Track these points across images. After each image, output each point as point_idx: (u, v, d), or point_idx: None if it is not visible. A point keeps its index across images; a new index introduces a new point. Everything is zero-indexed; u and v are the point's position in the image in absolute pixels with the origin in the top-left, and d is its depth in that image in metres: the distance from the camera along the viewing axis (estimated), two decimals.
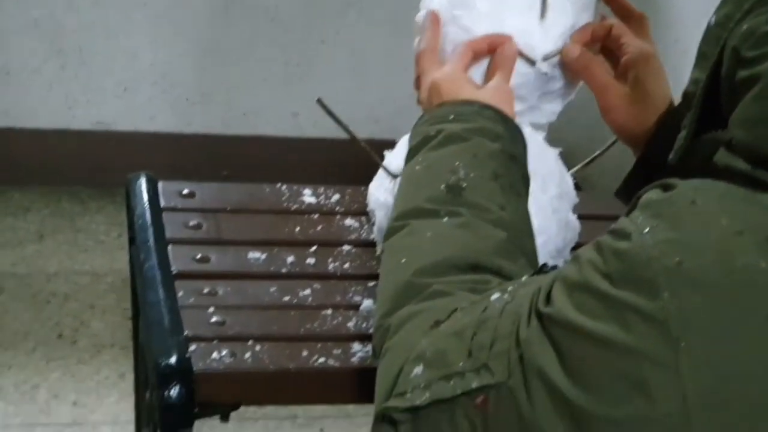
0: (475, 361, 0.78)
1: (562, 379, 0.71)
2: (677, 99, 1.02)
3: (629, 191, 1.08)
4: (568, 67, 1.11)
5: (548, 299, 0.75)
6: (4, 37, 2.46)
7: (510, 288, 0.83)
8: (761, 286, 0.69)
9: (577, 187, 1.25)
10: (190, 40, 2.52)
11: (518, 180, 0.99)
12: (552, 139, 1.24)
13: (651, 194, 0.75)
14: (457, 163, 0.96)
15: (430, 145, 0.99)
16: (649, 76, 1.08)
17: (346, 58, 2.55)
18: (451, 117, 1.00)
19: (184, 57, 2.52)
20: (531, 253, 0.95)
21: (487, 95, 1.03)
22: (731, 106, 0.78)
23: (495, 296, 0.83)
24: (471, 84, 1.06)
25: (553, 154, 1.21)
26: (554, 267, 0.88)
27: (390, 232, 0.96)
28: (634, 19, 1.11)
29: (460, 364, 0.78)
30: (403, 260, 0.92)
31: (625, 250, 0.72)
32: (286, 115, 2.56)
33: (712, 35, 0.83)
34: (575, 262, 0.76)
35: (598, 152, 1.25)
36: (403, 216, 0.96)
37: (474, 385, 0.77)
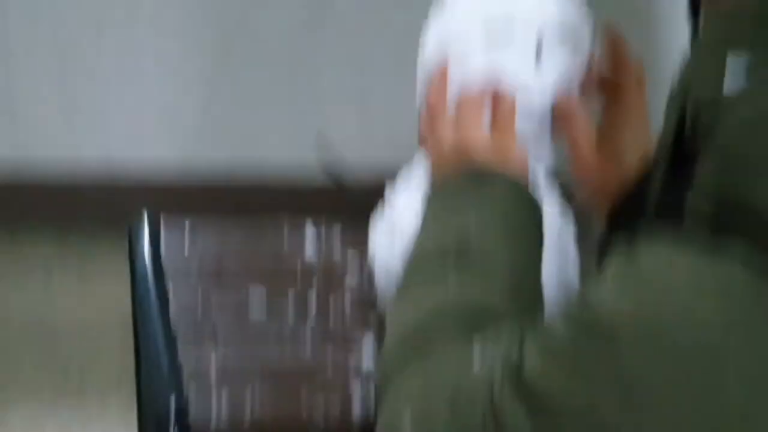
0: (454, 424, 0.78)
1: None
2: None
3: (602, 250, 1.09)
4: (555, 113, 1.09)
5: (520, 363, 0.75)
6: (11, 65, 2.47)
7: (491, 344, 0.83)
8: None
9: None
10: (196, 75, 2.51)
11: (533, 246, 0.98)
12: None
13: (614, 260, 0.76)
14: (467, 229, 0.95)
15: (441, 220, 0.98)
16: (625, 140, 1.07)
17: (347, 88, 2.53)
18: (468, 198, 0.98)
19: (189, 92, 2.50)
20: (534, 305, 0.94)
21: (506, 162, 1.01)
22: (695, 161, 0.77)
23: (476, 350, 0.83)
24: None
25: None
26: None
27: (396, 289, 0.96)
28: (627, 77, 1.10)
29: (441, 427, 0.79)
30: (406, 313, 0.92)
31: (589, 319, 0.72)
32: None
33: (676, 92, 0.83)
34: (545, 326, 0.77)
35: None
36: (409, 275, 0.95)
37: None
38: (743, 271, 0.71)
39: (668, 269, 0.72)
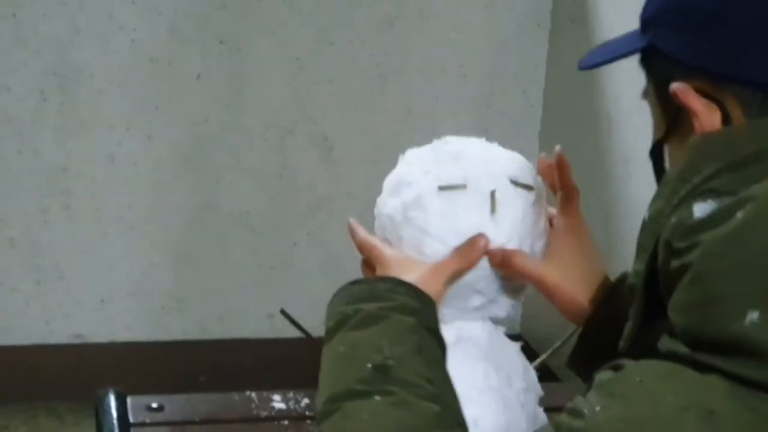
0: None
1: None
2: None
3: (576, 363, 1.14)
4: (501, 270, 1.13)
5: None
6: None
7: None
8: None
9: (542, 378, 1.25)
10: (164, 250, 2.56)
11: (438, 351, 1.01)
12: (524, 330, 1.23)
13: (603, 375, 0.82)
14: (380, 342, 0.97)
15: (350, 325, 1.00)
16: (569, 253, 1.12)
17: (318, 259, 2.58)
18: (367, 296, 1.02)
19: (159, 266, 2.55)
20: (463, 420, 0.96)
21: (415, 273, 1.06)
22: (669, 294, 0.83)
23: None
24: (408, 261, 1.09)
25: (515, 348, 1.21)
26: None
27: (323, 416, 0.95)
28: (567, 193, 1.14)
29: None
30: None
31: (580, 428, 0.77)
32: (261, 317, 2.57)
33: (647, 229, 0.89)
34: None
35: (558, 343, 1.26)
36: (335, 399, 0.95)
37: None
38: (724, 393, 0.76)
39: (652, 386, 0.77)
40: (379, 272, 1.10)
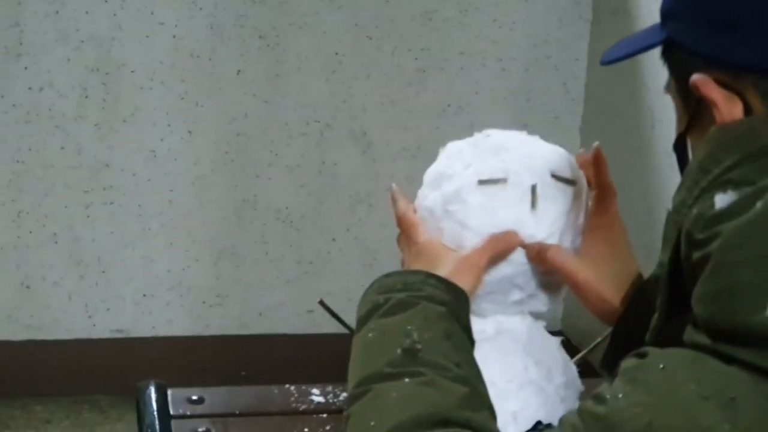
0: None
1: None
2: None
3: (609, 364, 1.11)
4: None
5: None
6: (25, 253, 2.52)
7: None
8: None
9: (583, 373, 1.24)
10: (204, 245, 2.57)
11: (466, 339, 1.02)
12: (565, 326, 1.23)
13: (627, 362, 0.83)
14: (409, 327, 0.98)
15: (380, 312, 1.01)
16: (601, 251, 1.11)
17: (357, 254, 2.58)
18: (399, 286, 1.03)
19: (199, 262, 2.57)
20: (491, 404, 0.96)
21: (448, 265, 1.07)
22: (693, 286, 0.83)
23: None
24: (442, 250, 1.09)
25: (555, 342, 1.21)
26: (549, 425, 0.93)
27: (352, 399, 0.96)
28: (603, 190, 1.13)
29: None
30: (372, 423, 0.92)
31: (602, 414, 0.79)
32: (300, 312, 2.58)
33: (671, 221, 0.89)
34: (560, 427, 0.81)
35: (599, 339, 1.25)
36: (364, 382, 0.95)
37: None
38: (745, 382, 0.76)
39: (674, 374, 0.78)
40: (409, 257, 1.10)
